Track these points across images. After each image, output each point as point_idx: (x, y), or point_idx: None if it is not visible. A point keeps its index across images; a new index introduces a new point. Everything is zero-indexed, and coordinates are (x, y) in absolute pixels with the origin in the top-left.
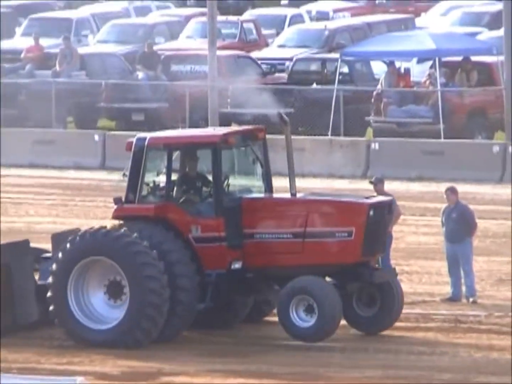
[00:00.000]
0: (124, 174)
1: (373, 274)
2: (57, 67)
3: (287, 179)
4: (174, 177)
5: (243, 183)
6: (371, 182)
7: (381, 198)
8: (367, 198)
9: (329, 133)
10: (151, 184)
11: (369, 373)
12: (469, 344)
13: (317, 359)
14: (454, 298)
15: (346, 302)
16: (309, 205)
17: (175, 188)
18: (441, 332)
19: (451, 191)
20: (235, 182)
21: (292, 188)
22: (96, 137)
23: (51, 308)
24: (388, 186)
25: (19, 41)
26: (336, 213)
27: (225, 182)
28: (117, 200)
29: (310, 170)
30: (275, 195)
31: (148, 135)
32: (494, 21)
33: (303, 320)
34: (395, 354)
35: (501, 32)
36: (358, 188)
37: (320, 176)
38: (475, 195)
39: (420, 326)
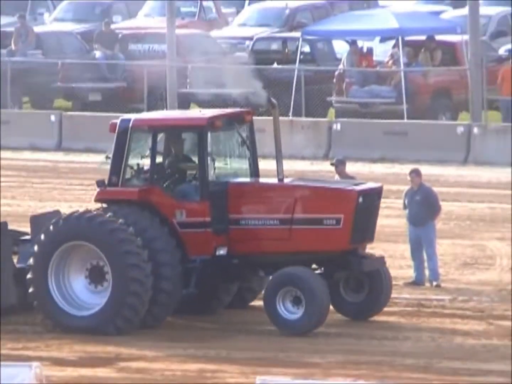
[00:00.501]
0: (107, 157)
1: (361, 263)
2: (13, 46)
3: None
4: (158, 160)
5: (229, 167)
6: (332, 164)
7: (370, 185)
8: (356, 185)
9: (290, 113)
10: (135, 167)
11: (330, 358)
12: (432, 329)
13: (278, 344)
14: (417, 282)
15: (333, 288)
16: (296, 191)
17: (159, 172)
18: (404, 316)
19: (416, 173)
20: (221, 165)
21: (280, 173)
22: (53, 118)
23: (30, 290)
24: (351, 167)
25: None
26: (324, 199)
27: (211, 166)
28: (100, 183)
29: (271, 152)
30: (262, 180)
31: (133, 116)
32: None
33: (290, 312)
34: (356, 338)
35: (465, 10)
36: (320, 170)
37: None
38: (439, 177)
39: (382, 310)
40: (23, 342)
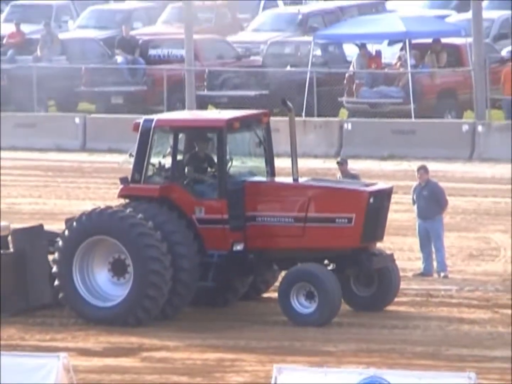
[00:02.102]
0: (130, 155)
1: (372, 260)
2: (38, 52)
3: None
4: (179, 158)
5: (247, 166)
6: (337, 163)
7: (381, 185)
8: (367, 185)
9: (303, 114)
10: (157, 165)
11: (343, 347)
12: (440, 318)
13: (293, 333)
14: (425, 273)
15: (344, 283)
16: (310, 191)
17: (180, 170)
18: (414, 306)
19: (424, 170)
20: (239, 165)
21: (295, 173)
22: (77, 120)
23: (56, 283)
24: (361, 165)
25: (1, 28)
26: (337, 199)
27: (229, 165)
28: (123, 180)
29: (285, 150)
30: (278, 179)
31: (155, 116)
32: (462, 4)
33: (304, 306)
34: (368, 328)
35: (469, 14)
36: (332, 167)
37: None
38: (445, 173)
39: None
40: (51, 334)
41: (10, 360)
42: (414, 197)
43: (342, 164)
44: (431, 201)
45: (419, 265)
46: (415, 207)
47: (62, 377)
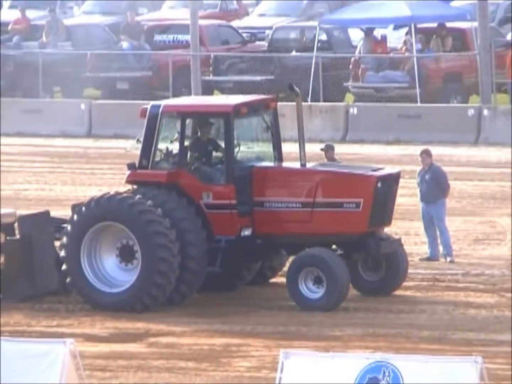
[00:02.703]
0: (138, 140)
1: (379, 244)
2: (44, 39)
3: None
4: (186, 144)
5: (254, 151)
6: (322, 149)
7: (388, 170)
8: (375, 170)
9: (309, 99)
10: (164, 151)
11: (349, 331)
12: (447, 302)
13: (299, 318)
14: (431, 258)
15: (352, 267)
16: (318, 176)
17: (187, 155)
18: (420, 290)
19: (427, 154)
20: (246, 150)
21: (302, 158)
22: (82, 106)
23: (63, 267)
24: (367, 149)
25: (6, 14)
26: (345, 184)
27: (236, 150)
28: (130, 166)
29: (291, 135)
30: (285, 164)
31: (163, 102)
32: None
33: (312, 291)
34: (374, 312)
35: None
36: (338, 152)
37: None
38: (451, 157)
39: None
40: (57, 320)
41: (17, 346)
42: (418, 181)
43: (327, 151)
44: (433, 185)
45: (425, 249)
46: (418, 190)
47: (68, 363)
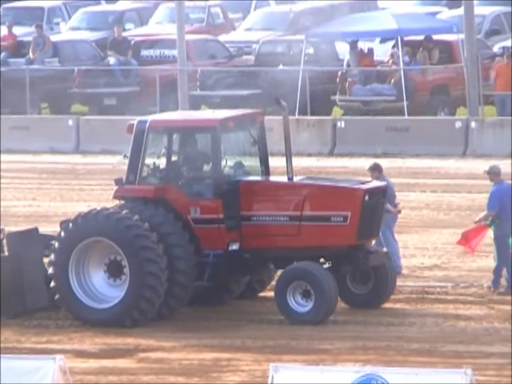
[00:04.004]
0: (125, 156)
1: (367, 257)
2: (31, 55)
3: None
4: (174, 159)
5: (241, 166)
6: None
7: (376, 183)
8: (362, 183)
9: (296, 112)
10: (151, 166)
11: (339, 345)
12: (436, 314)
13: (289, 332)
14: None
15: (340, 280)
16: (305, 189)
17: (174, 170)
18: (409, 303)
19: (371, 169)
20: (233, 164)
21: (289, 172)
22: (70, 122)
23: (52, 284)
24: (355, 162)
25: None
26: (332, 197)
27: (223, 165)
28: (118, 181)
29: (279, 149)
30: (272, 178)
31: (149, 117)
32: (453, 1)
33: (300, 305)
34: (364, 325)
35: (460, 11)
36: (326, 166)
37: None
38: (439, 170)
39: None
40: (47, 336)
41: (7, 362)
42: None
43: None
44: None
45: (414, 262)
46: None
47: (58, 379)
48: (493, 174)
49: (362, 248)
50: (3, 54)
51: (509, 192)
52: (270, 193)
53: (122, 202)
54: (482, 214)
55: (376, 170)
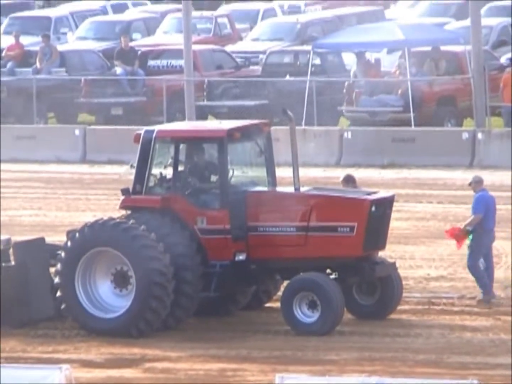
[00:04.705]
0: (131, 166)
1: (374, 268)
2: (38, 64)
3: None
4: (180, 169)
5: (248, 176)
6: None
7: (383, 194)
8: (369, 194)
9: (303, 123)
10: (158, 176)
11: (345, 355)
12: (442, 325)
13: (295, 343)
14: None
15: (347, 291)
16: (312, 200)
17: (181, 180)
18: (415, 314)
19: (345, 181)
20: (240, 174)
21: (296, 183)
22: (77, 132)
23: (58, 294)
24: (361, 173)
25: (0, 40)
26: (339, 208)
27: (230, 175)
28: (124, 191)
29: (285, 160)
30: (279, 189)
31: (156, 127)
32: (461, 11)
33: (306, 315)
34: (370, 336)
35: (467, 22)
36: (332, 176)
37: None
38: (446, 181)
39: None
40: (53, 346)
41: (12, 372)
42: None
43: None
44: None
45: (420, 273)
46: None
47: None
48: (476, 183)
49: (369, 259)
50: (10, 63)
51: (492, 201)
52: (276, 203)
53: (129, 212)
54: (469, 219)
55: (350, 182)
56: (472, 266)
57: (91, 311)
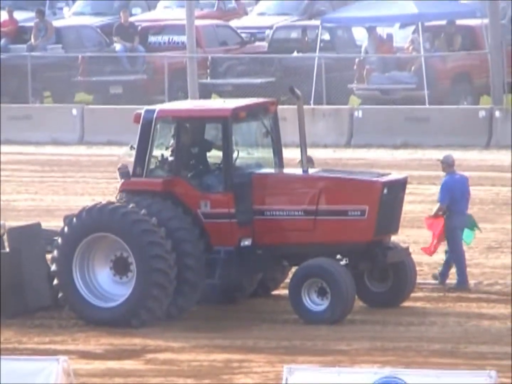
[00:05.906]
0: (131, 147)
1: (386, 254)
2: (32, 41)
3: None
4: (183, 150)
5: (254, 158)
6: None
7: (395, 176)
8: (381, 176)
9: (311, 102)
10: (159, 158)
11: (356, 345)
12: (458, 313)
13: (303, 332)
14: None
15: (358, 278)
16: (321, 182)
17: (183, 162)
18: (430, 302)
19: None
20: (245, 156)
21: (304, 164)
22: (74, 111)
23: (55, 282)
24: (373, 154)
25: None
26: (349, 191)
27: (235, 157)
28: (124, 173)
29: (293, 140)
30: (286, 170)
31: (157, 107)
32: None
33: (316, 303)
34: (382, 325)
35: None
36: (343, 157)
37: None
38: (461, 162)
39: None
40: (50, 336)
41: (8, 364)
42: None
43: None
44: None
45: (435, 258)
46: None
47: (62, 381)
48: (446, 164)
49: (381, 244)
50: (3, 40)
51: (462, 183)
52: (284, 186)
53: (126, 195)
54: (436, 207)
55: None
56: (453, 251)
57: (90, 300)
